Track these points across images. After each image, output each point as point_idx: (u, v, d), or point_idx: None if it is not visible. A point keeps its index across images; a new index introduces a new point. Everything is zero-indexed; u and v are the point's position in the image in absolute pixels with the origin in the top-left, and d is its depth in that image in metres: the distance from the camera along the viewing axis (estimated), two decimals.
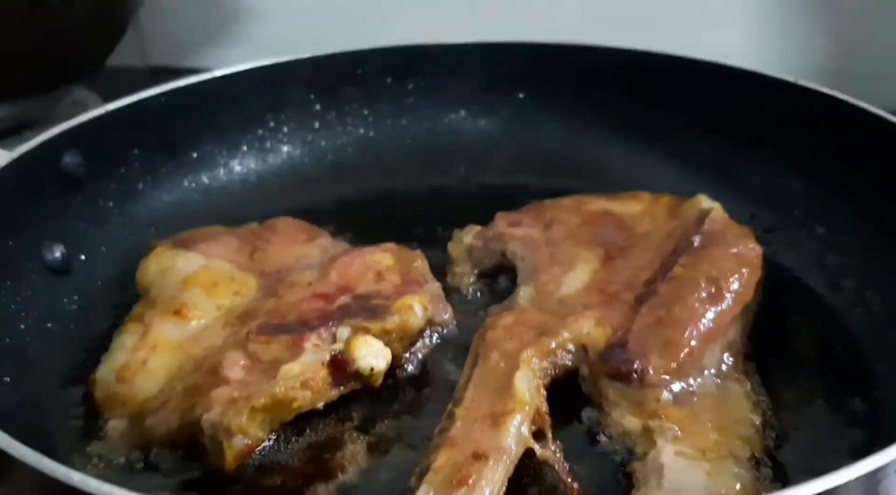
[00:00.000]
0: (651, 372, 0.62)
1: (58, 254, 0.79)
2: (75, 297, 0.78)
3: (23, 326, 0.72)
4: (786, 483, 0.58)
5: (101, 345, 0.72)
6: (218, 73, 0.94)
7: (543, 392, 0.62)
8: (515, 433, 0.57)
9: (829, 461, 0.53)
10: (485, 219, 0.89)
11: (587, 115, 0.98)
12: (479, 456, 0.55)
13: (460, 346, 0.71)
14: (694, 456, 0.57)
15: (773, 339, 0.73)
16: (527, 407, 0.58)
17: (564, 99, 0.99)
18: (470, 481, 0.53)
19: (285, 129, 0.98)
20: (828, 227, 0.82)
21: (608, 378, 0.63)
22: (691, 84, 0.92)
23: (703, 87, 0.92)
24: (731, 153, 0.90)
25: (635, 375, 0.62)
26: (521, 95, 1.01)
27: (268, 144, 0.98)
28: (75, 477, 0.43)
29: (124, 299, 0.77)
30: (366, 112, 1.00)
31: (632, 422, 0.60)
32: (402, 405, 0.67)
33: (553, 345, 0.65)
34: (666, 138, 0.94)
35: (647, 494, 0.55)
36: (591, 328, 0.66)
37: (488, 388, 0.61)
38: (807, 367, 0.70)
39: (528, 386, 0.61)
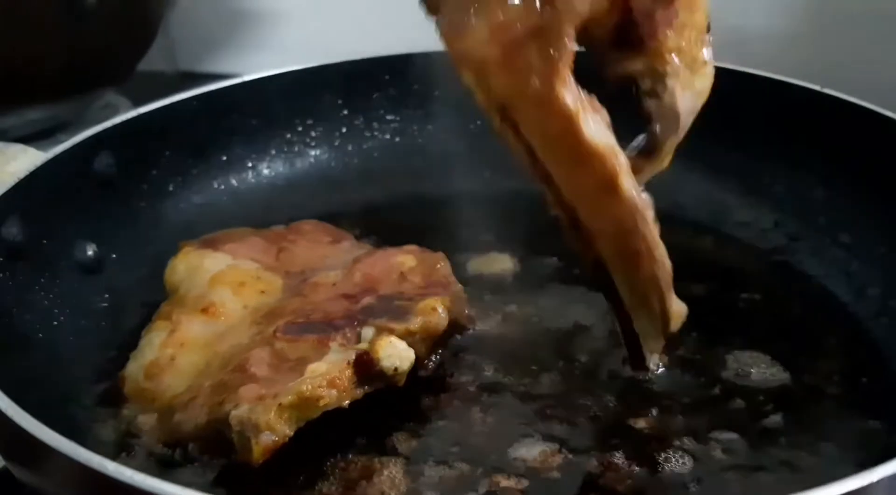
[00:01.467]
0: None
1: (90, 253, 0.81)
2: (106, 295, 0.80)
3: (55, 323, 0.74)
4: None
5: (130, 342, 0.73)
6: (247, 78, 0.95)
7: None
8: None
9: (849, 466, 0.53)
10: (508, 224, 0.90)
11: (611, 120, 0.98)
12: None
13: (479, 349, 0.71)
14: None
15: (797, 347, 0.73)
16: None
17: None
18: None
19: (313, 134, 1.00)
20: (853, 235, 0.82)
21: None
22: (716, 91, 0.92)
23: (728, 94, 0.91)
24: (756, 160, 0.90)
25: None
26: None
27: (296, 148, 0.99)
28: (110, 467, 0.44)
29: (154, 298, 0.78)
30: (392, 117, 1.02)
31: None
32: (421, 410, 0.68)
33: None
34: (690, 145, 0.94)
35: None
36: None
37: None
38: (830, 375, 0.70)
39: None
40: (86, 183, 0.82)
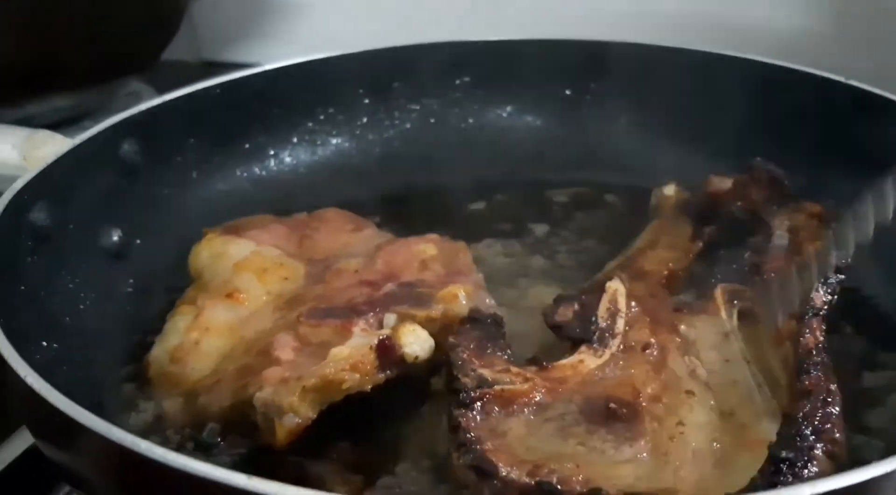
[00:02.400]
0: None
1: (115, 239, 0.82)
2: (131, 281, 0.81)
3: (82, 306, 0.75)
4: None
5: (155, 327, 0.74)
6: (269, 66, 0.96)
7: None
8: None
9: None
10: (529, 214, 0.91)
11: (635, 112, 0.99)
12: None
13: None
14: None
15: None
16: None
17: (611, 95, 1.00)
18: None
19: (334, 123, 1.00)
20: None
21: None
22: (741, 82, 0.93)
23: (753, 85, 0.92)
24: (779, 152, 0.90)
25: None
26: (567, 92, 1.02)
27: (317, 137, 1.00)
28: (142, 445, 0.45)
29: (178, 283, 0.79)
30: (413, 107, 1.02)
31: None
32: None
33: None
34: (714, 136, 0.94)
35: None
36: None
37: None
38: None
39: None
40: (111, 169, 0.83)
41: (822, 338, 0.63)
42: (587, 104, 1.01)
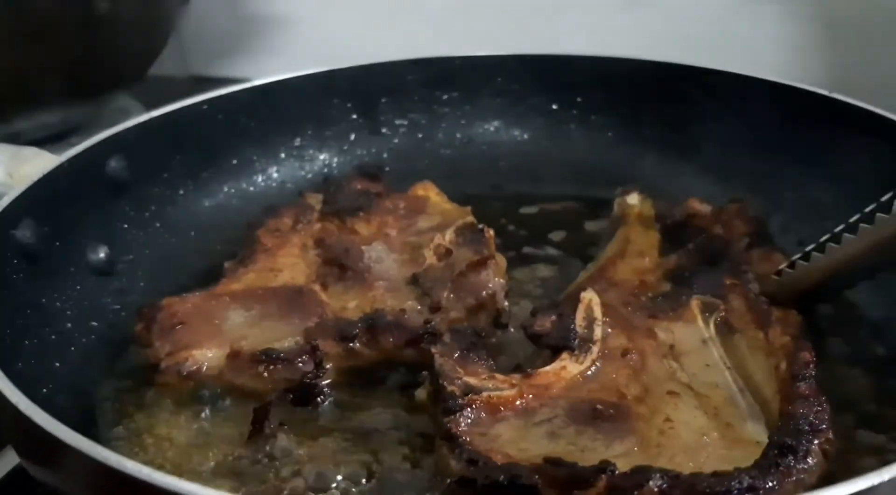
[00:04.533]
0: None
1: (102, 256, 0.81)
2: (118, 297, 0.80)
3: (68, 324, 0.74)
4: None
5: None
6: (257, 82, 0.96)
7: None
8: None
9: None
10: (517, 227, 0.91)
11: (621, 126, 1.00)
12: None
13: None
14: None
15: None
16: None
17: (597, 110, 1.00)
18: None
19: (322, 138, 1.00)
20: None
21: None
22: (726, 96, 0.93)
23: (738, 99, 0.92)
24: (765, 164, 0.91)
25: None
26: (553, 106, 1.02)
27: (305, 152, 1.00)
28: (128, 465, 0.45)
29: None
30: (401, 122, 1.02)
31: None
32: None
33: None
34: (700, 150, 0.95)
35: None
36: None
37: None
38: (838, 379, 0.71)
39: None
40: (98, 186, 0.83)
41: (813, 356, 0.64)
42: (574, 119, 1.01)
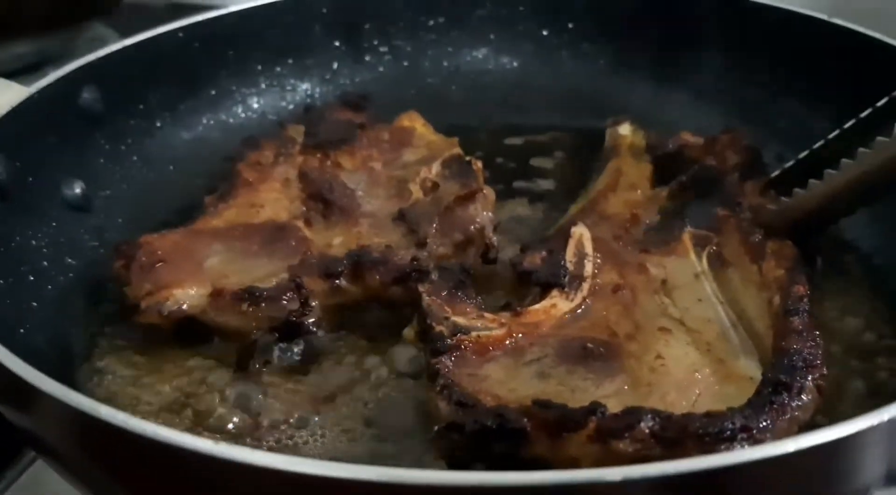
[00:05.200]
0: None
1: (77, 191, 0.79)
2: (95, 234, 0.78)
3: (45, 263, 0.72)
4: None
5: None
6: (234, 8, 0.92)
7: None
8: None
9: None
10: (505, 159, 0.89)
11: (612, 53, 0.97)
12: None
13: None
14: None
15: None
16: None
17: (588, 37, 0.97)
18: None
19: (304, 67, 0.97)
20: None
21: None
22: (720, 21, 0.90)
23: (731, 25, 0.90)
24: (760, 92, 0.88)
25: None
26: (544, 33, 0.99)
27: (286, 82, 0.96)
28: (102, 411, 0.43)
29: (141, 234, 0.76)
30: (385, 50, 0.99)
31: None
32: None
33: None
34: (693, 77, 0.92)
35: None
36: None
37: None
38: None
39: None
40: (71, 118, 0.80)
41: (806, 290, 0.62)
42: (564, 46, 0.98)
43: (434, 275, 0.65)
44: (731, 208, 0.73)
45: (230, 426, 0.60)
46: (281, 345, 0.66)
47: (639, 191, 0.80)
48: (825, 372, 0.55)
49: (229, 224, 0.75)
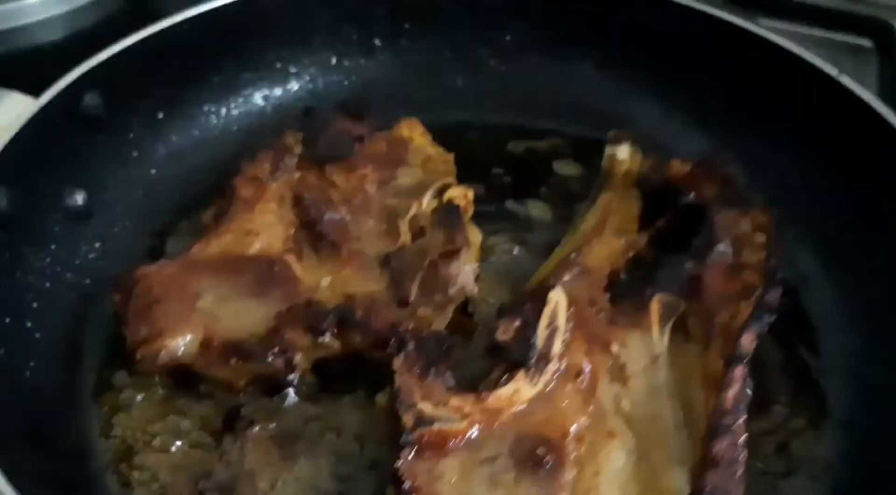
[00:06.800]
0: None
1: (79, 201, 0.82)
2: (96, 244, 0.82)
3: (48, 284, 0.77)
4: None
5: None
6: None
7: None
8: None
9: None
10: (503, 171, 0.91)
11: (571, 53, 0.97)
12: None
13: None
14: None
15: None
16: None
17: (546, 40, 0.97)
18: None
19: (305, 58, 0.96)
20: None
21: None
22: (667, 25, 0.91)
23: (674, 28, 0.91)
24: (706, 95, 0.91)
25: None
26: (507, 38, 0.98)
27: (290, 71, 0.96)
28: None
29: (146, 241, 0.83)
30: (392, 42, 0.98)
31: None
32: None
33: None
34: (652, 80, 0.94)
35: None
36: None
37: None
38: None
39: None
40: (74, 126, 0.81)
41: (741, 393, 0.66)
42: (524, 47, 0.98)
43: (411, 347, 0.70)
44: (702, 261, 0.77)
45: None
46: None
47: (622, 239, 0.83)
48: None
49: (224, 253, 0.78)
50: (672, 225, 0.83)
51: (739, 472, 0.63)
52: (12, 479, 0.56)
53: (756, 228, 0.80)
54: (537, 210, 0.90)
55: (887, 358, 0.74)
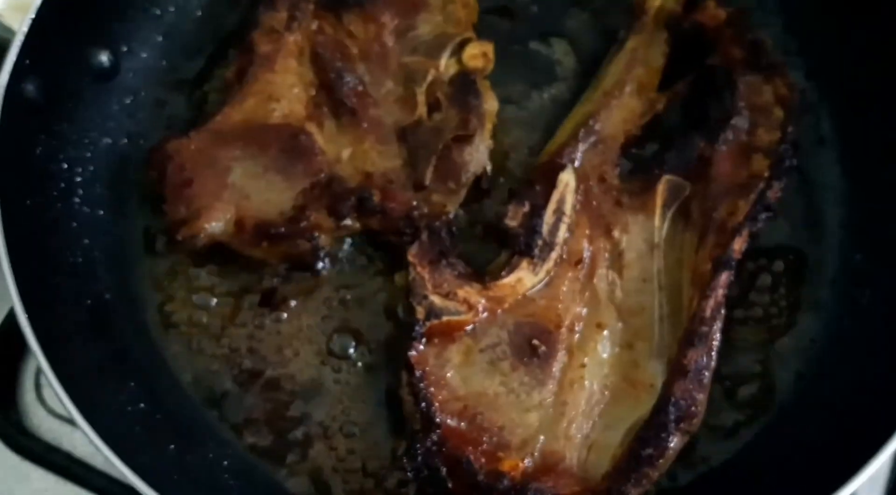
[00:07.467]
0: None
1: (104, 60, 0.83)
2: (127, 101, 0.85)
3: (88, 154, 0.82)
4: None
5: None
6: None
7: None
8: None
9: None
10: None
11: None
12: None
13: None
14: None
15: None
16: None
17: None
18: None
19: None
20: None
21: None
22: None
23: None
24: None
25: None
26: None
27: None
28: None
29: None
30: None
31: None
32: None
33: None
34: None
35: None
36: None
37: None
38: None
39: None
40: None
41: (721, 301, 0.74)
42: None
43: (424, 236, 0.76)
44: (714, 138, 0.79)
45: None
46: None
47: (642, 99, 0.83)
48: (696, 420, 0.70)
49: (248, 121, 0.82)
50: (691, 92, 0.84)
51: (707, 377, 0.72)
52: None
53: (777, 100, 0.81)
54: (562, 51, 0.89)
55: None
